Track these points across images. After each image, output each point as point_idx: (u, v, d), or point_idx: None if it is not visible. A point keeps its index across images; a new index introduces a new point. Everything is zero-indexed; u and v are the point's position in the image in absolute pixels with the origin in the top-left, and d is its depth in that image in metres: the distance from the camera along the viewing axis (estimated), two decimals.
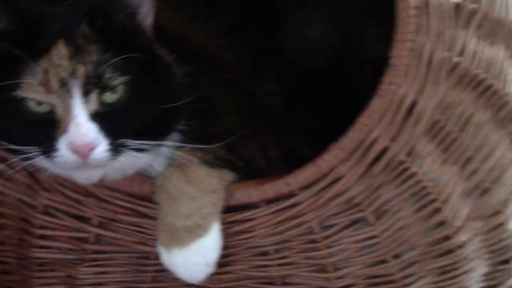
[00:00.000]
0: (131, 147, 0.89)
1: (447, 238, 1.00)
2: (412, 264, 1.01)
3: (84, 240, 1.04)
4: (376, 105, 0.95)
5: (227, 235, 1.00)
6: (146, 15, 0.94)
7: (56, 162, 0.88)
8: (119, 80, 0.88)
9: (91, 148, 0.86)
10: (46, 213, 1.03)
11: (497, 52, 1.00)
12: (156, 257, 1.01)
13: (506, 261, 1.05)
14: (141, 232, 1.02)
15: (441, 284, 1.02)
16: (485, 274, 1.05)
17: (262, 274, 1.03)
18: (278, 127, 1.13)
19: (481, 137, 0.98)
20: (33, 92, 0.86)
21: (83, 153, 0.86)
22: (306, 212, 0.99)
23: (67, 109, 0.86)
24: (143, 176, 1.01)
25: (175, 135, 0.98)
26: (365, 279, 1.02)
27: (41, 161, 0.90)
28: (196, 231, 0.97)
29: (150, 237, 1.01)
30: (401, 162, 0.97)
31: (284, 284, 1.03)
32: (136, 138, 0.89)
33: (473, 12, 0.98)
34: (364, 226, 0.99)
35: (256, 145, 1.06)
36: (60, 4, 0.98)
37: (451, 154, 0.99)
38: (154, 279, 1.05)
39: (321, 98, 1.18)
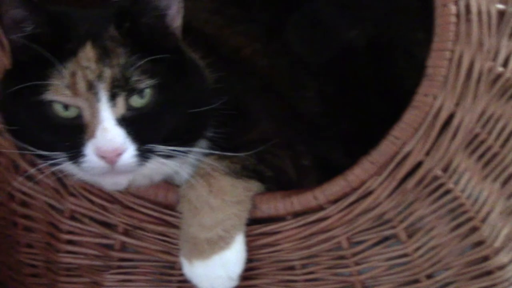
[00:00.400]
0: (158, 153, 0.88)
1: (485, 258, 0.97)
2: (447, 285, 0.98)
3: (110, 247, 1.03)
4: (409, 117, 0.92)
5: (253, 248, 0.98)
6: (175, 16, 0.92)
7: (83, 167, 0.87)
8: (146, 83, 0.86)
9: (119, 154, 0.85)
10: (73, 218, 1.03)
11: None
12: (181, 267, 0.99)
13: None
14: (166, 241, 1.01)
15: None
16: None
17: None
18: (313, 135, 1.10)
19: None
20: (60, 95, 0.86)
21: (110, 158, 0.85)
22: (334, 227, 0.97)
23: (94, 113, 0.86)
24: (168, 184, 0.99)
25: (203, 142, 0.96)
26: None
27: (68, 167, 0.89)
28: (218, 244, 0.94)
29: (175, 246, 1.00)
30: (436, 178, 0.94)
31: None
32: (164, 144, 0.88)
33: None
34: (396, 244, 0.97)
35: (288, 154, 1.03)
36: (88, 7, 0.98)
37: (491, 170, 0.96)
38: None
39: (360, 105, 1.14)
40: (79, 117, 0.87)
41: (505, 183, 0.96)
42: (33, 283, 1.11)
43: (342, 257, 0.98)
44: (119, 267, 1.04)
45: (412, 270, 0.97)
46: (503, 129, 0.94)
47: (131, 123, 0.86)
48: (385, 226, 0.96)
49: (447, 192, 0.94)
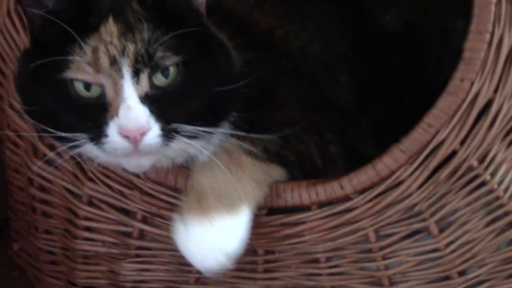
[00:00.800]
0: (183, 133, 0.86)
1: None
2: (480, 283, 0.95)
3: (128, 235, 1.02)
4: (444, 103, 0.89)
5: (275, 239, 0.96)
6: None
7: (106, 148, 0.85)
8: (171, 60, 0.85)
9: (142, 133, 0.83)
10: (91, 203, 1.02)
11: None
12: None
13: None
14: None
15: None
16: None
17: (311, 283, 0.98)
18: (342, 123, 1.06)
19: None
20: (82, 72, 0.84)
21: (134, 138, 0.83)
22: (361, 219, 0.94)
23: (117, 91, 0.84)
24: (188, 170, 0.95)
25: (227, 123, 0.93)
26: None
27: (90, 149, 0.87)
28: (224, 201, 0.88)
29: None
30: (471, 169, 0.91)
31: None
32: (189, 124, 0.86)
33: None
34: (426, 238, 0.94)
35: (314, 140, 0.99)
36: None
37: None
38: (198, 280, 1.02)
39: (392, 93, 1.11)
40: (101, 96, 0.85)
41: None
42: (51, 270, 1.10)
43: (369, 251, 0.96)
44: (137, 255, 1.02)
45: (443, 266, 0.95)
46: None
47: (155, 101, 0.84)
48: (416, 219, 0.93)
49: (483, 184, 0.91)
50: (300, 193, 0.94)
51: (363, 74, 1.11)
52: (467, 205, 0.92)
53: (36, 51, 0.89)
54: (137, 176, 0.97)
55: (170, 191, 0.97)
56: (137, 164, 0.89)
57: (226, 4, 1.04)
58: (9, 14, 1.01)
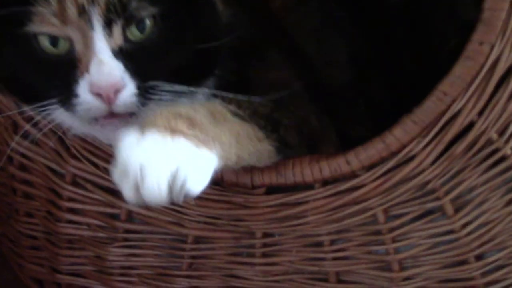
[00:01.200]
0: (162, 92, 0.81)
1: None
2: (499, 268, 0.92)
3: (115, 217, 0.99)
4: (461, 70, 0.84)
5: (274, 220, 0.93)
6: None
7: (77, 111, 0.81)
8: (147, 11, 0.81)
9: (116, 90, 0.79)
10: (75, 183, 0.99)
11: None
12: (194, 241, 0.96)
13: None
14: (177, 211, 0.95)
15: None
16: None
17: (314, 268, 0.95)
18: (335, 106, 1.04)
19: None
20: (47, 25, 0.79)
21: (108, 96, 0.79)
22: (369, 198, 0.90)
23: (87, 44, 0.79)
24: None
25: (212, 81, 0.89)
26: (438, 282, 0.94)
27: (61, 115, 0.84)
28: (196, 133, 0.75)
29: (187, 217, 0.95)
30: (491, 142, 0.87)
31: (340, 282, 0.95)
32: (168, 82, 0.82)
33: None
34: (440, 218, 0.91)
35: (311, 108, 0.96)
36: None
37: None
38: (191, 266, 0.99)
39: (396, 68, 1.09)
40: (70, 51, 0.80)
41: None
42: (33, 256, 1.07)
43: (377, 233, 0.93)
44: (125, 239, 0.99)
45: (459, 249, 0.92)
46: None
47: (131, 56, 0.80)
48: (429, 198, 0.90)
49: (503, 159, 0.88)
50: (302, 170, 0.90)
51: (364, 49, 1.09)
52: (486, 182, 0.89)
53: None
54: None
55: None
56: (113, 130, 0.83)
57: None
58: None
